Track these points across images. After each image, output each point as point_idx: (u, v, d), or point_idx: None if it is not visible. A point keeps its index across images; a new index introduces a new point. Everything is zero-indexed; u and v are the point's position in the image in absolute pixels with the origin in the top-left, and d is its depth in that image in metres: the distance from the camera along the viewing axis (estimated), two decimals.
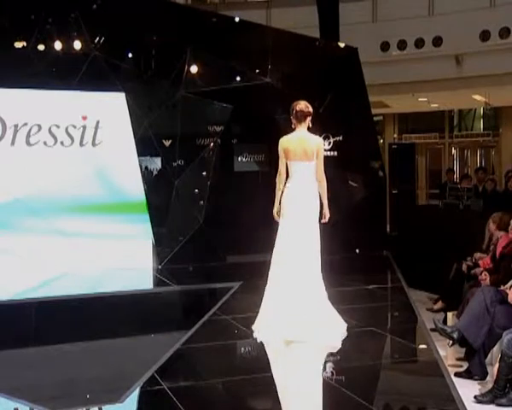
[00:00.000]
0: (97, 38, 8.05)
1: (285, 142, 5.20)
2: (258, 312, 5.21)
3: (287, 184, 5.17)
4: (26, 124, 7.71)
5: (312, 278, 5.05)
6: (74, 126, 7.94)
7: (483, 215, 6.80)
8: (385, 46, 12.16)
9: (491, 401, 3.94)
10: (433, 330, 5.04)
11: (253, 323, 5.22)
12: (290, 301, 4.95)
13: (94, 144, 8.04)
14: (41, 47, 7.90)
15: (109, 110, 8.10)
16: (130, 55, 8.47)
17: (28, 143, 7.76)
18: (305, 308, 4.93)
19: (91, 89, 7.85)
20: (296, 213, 5.10)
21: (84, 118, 7.96)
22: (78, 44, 8.02)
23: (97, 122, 8.01)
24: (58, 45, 7.95)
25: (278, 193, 5.17)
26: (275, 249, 5.17)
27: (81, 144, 7.99)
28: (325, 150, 8.23)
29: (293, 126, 5.28)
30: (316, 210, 5.16)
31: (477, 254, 6.12)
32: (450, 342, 4.59)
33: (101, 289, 6.96)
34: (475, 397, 3.99)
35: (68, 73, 7.85)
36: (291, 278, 5.01)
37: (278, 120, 8.80)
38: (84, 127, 7.97)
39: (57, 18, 7.93)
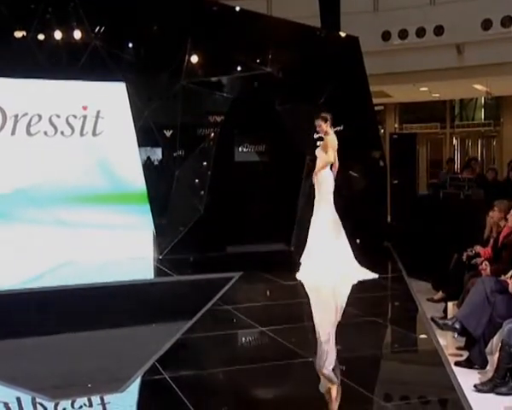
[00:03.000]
0: (97, 28, 8.02)
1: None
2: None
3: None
4: (26, 114, 7.70)
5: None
6: (75, 116, 7.92)
7: (484, 205, 6.79)
8: (386, 35, 12.08)
9: (490, 390, 3.95)
10: (433, 320, 5.05)
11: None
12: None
13: (94, 134, 8.03)
14: (41, 37, 7.87)
15: (110, 100, 8.08)
16: (130, 44, 8.43)
17: (29, 133, 7.75)
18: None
19: (92, 79, 7.83)
20: None
21: (85, 108, 7.95)
22: (78, 34, 7.99)
23: (98, 112, 7.99)
24: (58, 35, 7.92)
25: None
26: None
27: (81, 134, 7.98)
28: None
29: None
30: None
31: (477, 247, 6.10)
32: (456, 334, 4.59)
33: (103, 279, 6.97)
34: (475, 386, 4.00)
35: (68, 63, 7.83)
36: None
37: (278, 109, 8.79)
38: (85, 117, 7.96)
39: (57, 7, 7.90)
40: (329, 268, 6.83)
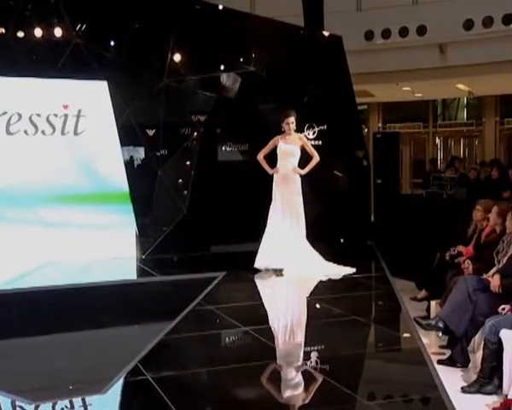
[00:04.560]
0: (79, 25, 7.93)
1: None
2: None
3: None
4: (5, 112, 7.61)
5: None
6: (56, 115, 7.83)
7: (467, 204, 6.83)
8: (369, 35, 12.14)
9: (477, 391, 3.93)
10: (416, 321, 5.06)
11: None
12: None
13: (76, 133, 7.95)
14: (20, 34, 7.77)
15: (91, 99, 8.00)
16: (112, 42, 8.35)
17: (8, 132, 7.65)
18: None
19: (73, 77, 7.75)
20: None
21: (66, 107, 7.87)
22: (58, 31, 7.89)
23: (79, 111, 7.91)
24: (38, 32, 7.81)
25: None
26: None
27: (63, 133, 7.90)
28: (309, 140, 8.28)
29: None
30: None
31: (460, 246, 6.13)
32: (440, 333, 4.61)
33: (85, 279, 6.91)
34: (462, 388, 3.99)
35: (49, 61, 7.73)
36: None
37: (262, 109, 8.77)
38: (66, 116, 7.87)
39: (37, 4, 7.80)
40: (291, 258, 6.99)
